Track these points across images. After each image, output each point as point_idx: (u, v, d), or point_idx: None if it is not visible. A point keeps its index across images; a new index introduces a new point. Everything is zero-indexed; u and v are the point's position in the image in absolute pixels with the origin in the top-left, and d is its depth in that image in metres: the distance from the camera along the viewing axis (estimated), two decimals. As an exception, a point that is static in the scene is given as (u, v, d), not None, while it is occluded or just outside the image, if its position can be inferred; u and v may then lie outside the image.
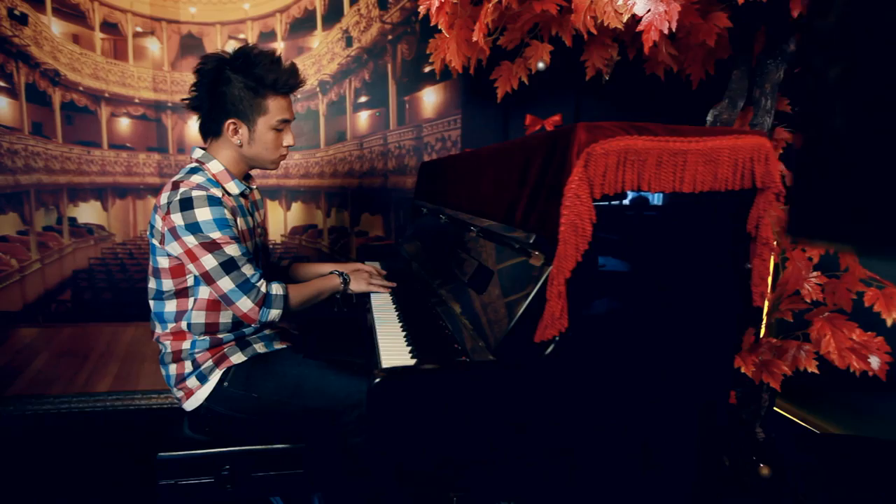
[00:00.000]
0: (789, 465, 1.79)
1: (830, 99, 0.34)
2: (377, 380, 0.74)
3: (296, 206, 2.38)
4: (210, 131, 1.33)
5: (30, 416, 2.22)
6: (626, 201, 0.83)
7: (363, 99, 2.33)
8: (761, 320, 1.85)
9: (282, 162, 1.43)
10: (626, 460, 0.99)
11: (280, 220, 2.39)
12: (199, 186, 1.24)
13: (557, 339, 0.77)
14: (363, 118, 2.34)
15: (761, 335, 1.92)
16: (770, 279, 1.67)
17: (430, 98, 2.35)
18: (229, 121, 1.29)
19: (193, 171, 1.30)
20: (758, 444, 1.80)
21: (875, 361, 1.50)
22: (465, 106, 2.34)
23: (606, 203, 0.82)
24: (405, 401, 0.76)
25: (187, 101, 1.33)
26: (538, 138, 0.88)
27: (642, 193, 0.81)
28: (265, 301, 1.28)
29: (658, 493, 1.04)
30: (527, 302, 0.78)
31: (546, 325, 0.76)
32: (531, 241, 0.81)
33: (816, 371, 1.56)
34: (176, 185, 1.25)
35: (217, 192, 1.26)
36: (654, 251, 0.87)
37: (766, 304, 1.81)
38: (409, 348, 1.03)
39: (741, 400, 1.77)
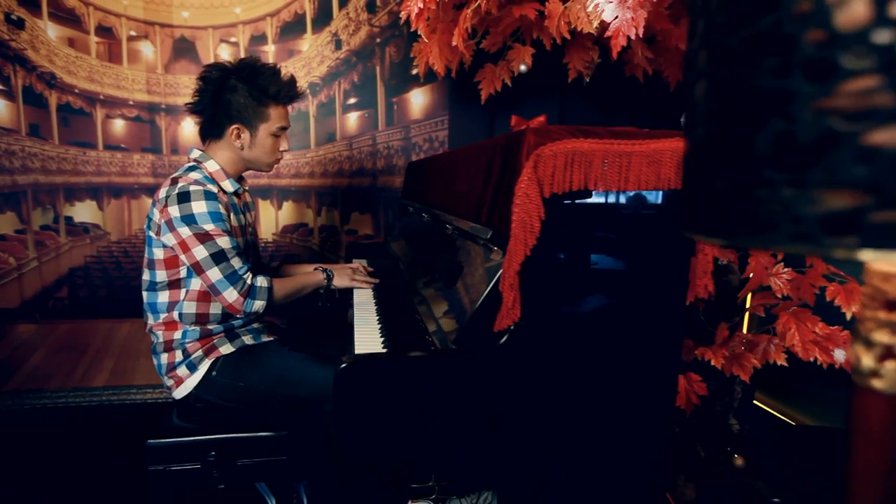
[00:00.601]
0: (764, 456, 1.84)
1: (697, 113, 0.40)
2: (343, 365, 0.80)
3: (287, 206, 2.44)
4: (211, 134, 1.43)
5: (28, 409, 2.28)
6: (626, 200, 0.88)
7: (352, 100, 2.38)
8: (743, 315, 1.91)
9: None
10: (591, 448, 1.05)
11: (272, 219, 2.44)
12: (196, 182, 1.33)
13: (512, 328, 0.83)
14: (352, 119, 2.40)
15: (744, 330, 1.98)
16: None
17: (418, 99, 2.40)
18: (233, 126, 1.40)
19: (191, 169, 1.39)
20: (733, 436, 1.86)
21: (840, 354, 1.55)
22: (452, 107, 2.39)
23: (570, 202, 0.88)
24: (368, 386, 0.82)
25: (189, 106, 1.42)
26: (499, 141, 0.93)
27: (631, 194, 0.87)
28: (250, 292, 1.34)
29: (625, 477, 1.09)
30: (484, 294, 0.83)
31: (502, 315, 0.81)
32: (488, 236, 0.87)
33: (785, 364, 1.61)
34: (175, 181, 1.34)
35: (213, 188, 1.35)
36: (612, 247, 0.92)
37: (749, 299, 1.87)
38: (383, 339, 1.09)
39: (714, 393, 1.83)
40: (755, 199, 0.34)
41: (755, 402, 2.38)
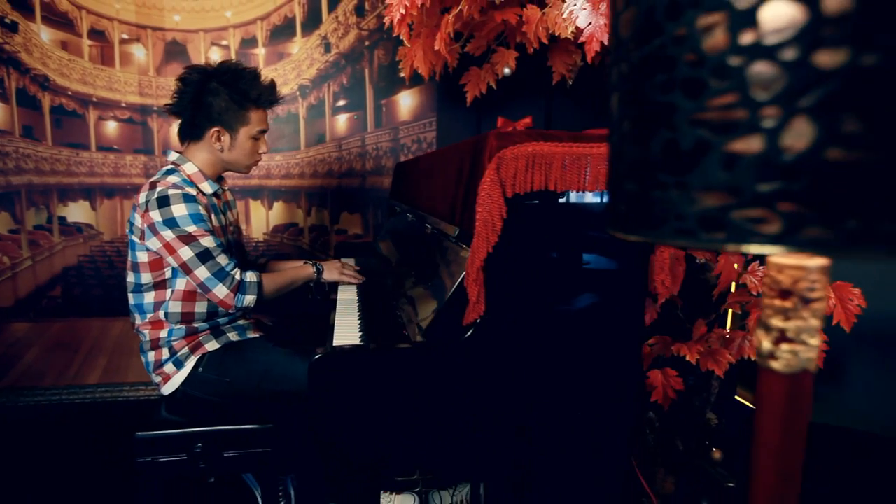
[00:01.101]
0: (740, 448, 1.89)
1: (613, 122, 0.45)
2: (317, 356, 0.84)
3: (277, 206, 2.48)
4: (191, 135, 1.44)
5: (22, 407, 2.32)
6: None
7: (342, 102, 2.42)
8: (722, 312, 1.95)
9: (263, 163, 1.55)
10: (560, 438, 1.09)
11: (262, 219, 2.48)
12: (174, 185, 1.35)
13: (478, 322, 0.87)
14: (342, 121, 2.44)
15: (727, 327, 2.03)
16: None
17: (406, 101, 2.44)
18: (214, 128, 1.41)
19: (169, 172, 1.41)
20: (711, 430, 1.91)
21: (812, 349, 1.60)
22: (440, 109, 2.43)
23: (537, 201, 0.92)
24: (340, 377, 0.86)
25: (169, 107, 1.44)
26: (468, 144, 0.98)
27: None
28: (240, 287, 1.38)
29: (593, 465, 1.14)
30: (451, 290, 0.88)
31: (469, 310, 0.86)
32: (455, 234, 0.91)
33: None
34: (153, 185, 1.36)
35: (192, 191, 1.37)
36: (574, 244, 0.97)
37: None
38: (361, 334, 1.13)
39: (692, 388, 1.87)
40: (651, 199, 0.39)
41: (737, 397, 2.43)
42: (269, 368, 1.40)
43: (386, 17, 1.73)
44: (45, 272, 2.32)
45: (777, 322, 0.44)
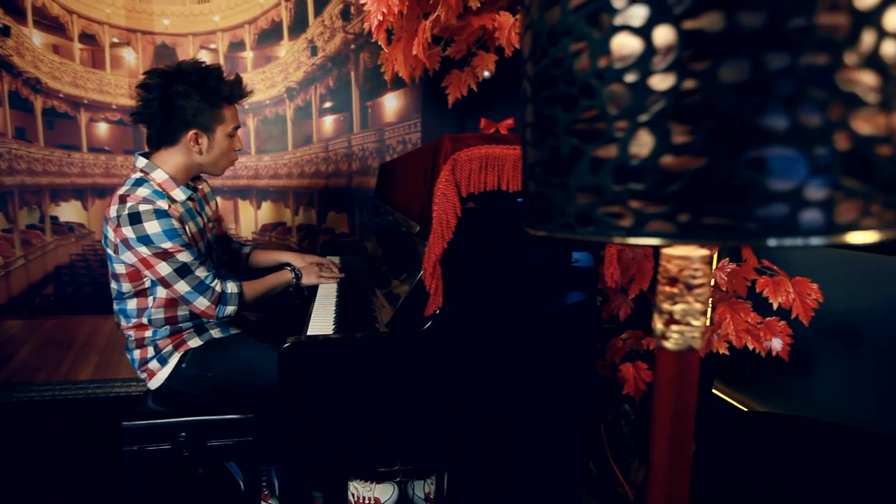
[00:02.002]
0: (712, 439, 1.95)
1: (524, 130, 0.51)
2: (286, 345, 0.90)
3: (266, 205, 2.54)
4: (165, 141, 1.41)
5: (15, 402, 2.37)
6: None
7: (328, 104, 2.48)
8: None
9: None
10: (523, 429, 1.15)
11: (251, 219, 2.54)
12: (145, 200, 1.30)
13: (437, 314, 0.93)
14: (328, 122, 2.49)
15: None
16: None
17: (392, 103, 2.50)
18: (191, 131, 1.38)
19: (139, 182, 1.36)
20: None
21: (777, 343, 1.67)
22: (425, 110, 2.49)
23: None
24: (306, 365, 0.92)
25: (135, 115, 1.39)
26: (432, 146, 1.04)
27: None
28: (221, 299, 1.41)
29: (552, 454, 1.20)
30: (412, 284, 0.94)
31: (429, 303, 0.91)
32: (416, 231, 0.97)
33: (727, 353, 1.72)
34: (123, 199, 1.31)
35: (163, 205, 1.32)
36: (527, 241, 1.02)
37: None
38: (334, 327, 1.19)
39: (665, 380, 1.93)
40: (545, 197, 0.45)
41: (714, 391, 2.49)
42: (250, 363, 1.46)
43: (366, 24, 1.79)
44: (38, 270, 2.37)
45: (667, 306, 0.50)
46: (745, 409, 2.30)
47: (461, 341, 0.98)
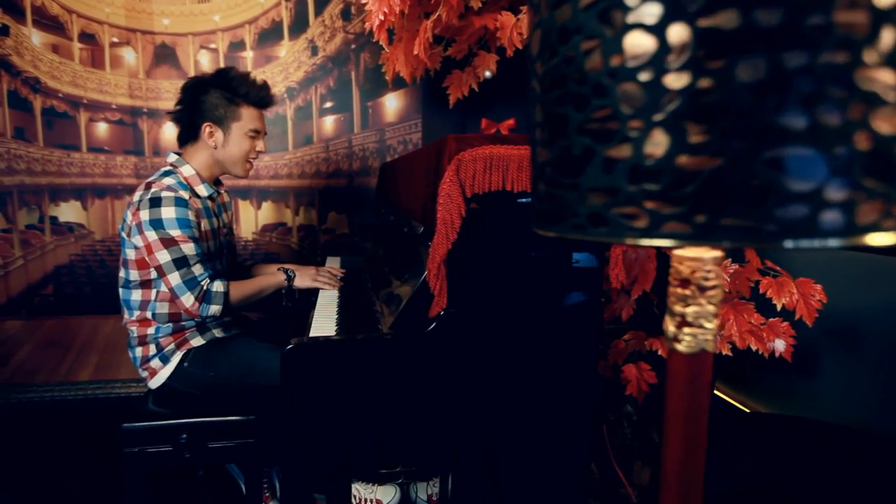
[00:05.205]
0: (715, 442, 1.95)
1: (532, 127, 0.50)
2: (289, 346, 0.89)
3: (266, 206, 2.53)
4: (189, 137, 1.50)
5: (15, 403, 2.36)
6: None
7: (328, 104, 2.47)
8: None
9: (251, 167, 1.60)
10: (526, 428, 1.14)
11: (251, 219, 2.53)
12: (168, 188, 1.39)
13: (442, 315, 0.92)
14: (329, 122, 2.49)
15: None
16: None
17: (392, 103, 2.49)
18: (206, 124, 1.46)
19: (167, 173, 1.46)
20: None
21: (780, 344, 1.66)
22: (426, 110, 2.49)
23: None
24: (309, 367, 0.91)
25: (170, 114, 1.51)
26: (435, 146, 1.03)
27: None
28: (205, 297, 1.40)
29: (556, 454, 1.19)
30: (416, 285, 0.93)
31: (433, 304, 0.91)
32: (420, 232, 0.96)
33: (730, 353, 1.72)
34: (149, 186, 1.41)
35: (185, 195, 1.41)
36: (532, 242, 1.02)
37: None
38: (337, 328, 1.18)
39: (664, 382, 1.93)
40: (556, 198, 0.44)
41: (715, 391, 2.49)
42: (252, 363, 1.45)
43: (367, 23, 1.78)
44: (38, 271, 2.36)
45: (679, 308, 0.49)
46: (747, 410, 2.30)
47: (465, 342, 0.97)
